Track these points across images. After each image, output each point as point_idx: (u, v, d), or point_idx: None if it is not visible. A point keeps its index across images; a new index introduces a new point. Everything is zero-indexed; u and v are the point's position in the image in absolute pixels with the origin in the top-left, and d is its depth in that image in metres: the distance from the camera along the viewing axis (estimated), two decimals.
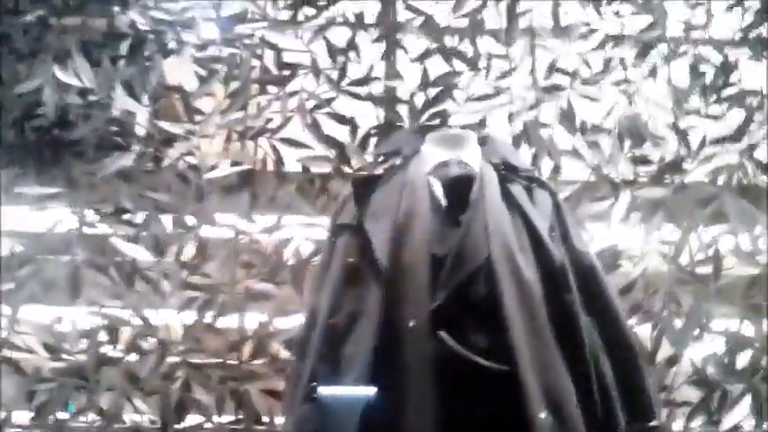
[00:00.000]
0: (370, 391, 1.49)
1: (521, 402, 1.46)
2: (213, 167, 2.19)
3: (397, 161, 1.87)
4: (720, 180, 2.15)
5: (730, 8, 2.31)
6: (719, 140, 2.23)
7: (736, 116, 2.28)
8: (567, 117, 2.25)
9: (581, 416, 1.50)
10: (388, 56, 2.36)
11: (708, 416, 1.98)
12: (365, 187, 1.75)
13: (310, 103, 2.28)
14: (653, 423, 1.61)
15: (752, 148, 2.23)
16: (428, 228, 1.62)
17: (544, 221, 1.68)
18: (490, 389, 1.48)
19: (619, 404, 1.59)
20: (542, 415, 1.46)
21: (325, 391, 1.52)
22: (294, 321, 2.08)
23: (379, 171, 1.79)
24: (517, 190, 1.72)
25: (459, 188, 1.68)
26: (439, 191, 1.70)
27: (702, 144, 2.24)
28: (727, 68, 2.30)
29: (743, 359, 2.04)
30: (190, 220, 2.17)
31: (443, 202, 1.68)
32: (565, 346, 1.55)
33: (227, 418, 2.11)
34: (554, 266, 1.60)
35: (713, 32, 2.37)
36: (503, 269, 1.56)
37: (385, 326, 1.54)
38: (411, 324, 1.51)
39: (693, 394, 2.02)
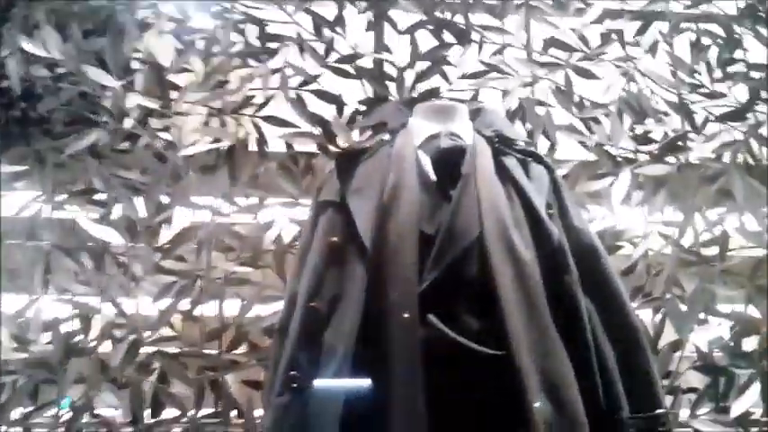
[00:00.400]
0: (354, 380, 1.37)
1: (517, 390, 1.34)
2: (190, 145, 2.06)
3: (384, 135, 1.74)
4: (726, 158, 2.03)
5: None
6: (724, 117, 2.12)
7: (742, 92, 2.18)
8: (564, 93, 2.14)
9: (581, 403, 1.38)
10: (376, 28, 2.24)
11: (715, 402, 1.87)
12: (349, 162, 1.63)
13: (295, 80, 2.17)
14: (658, 411, 1.49)
15: (758, 125, 2.12)
16: (416, 203, 1.50)
17: (541, 198, 1.57)
18: (484, 376, 1.36)
19: (622, 391, 1.47)
20: (537, 404, 1.34)
21: (305, 380, 1.40)
22: (276, 308, 1.96)
23: (364, 145, 1.66)
24: (512, 163, 1.60)
25: (450, 161, 1.56)
26: (428, 164, 1.58)
27: (706, 121, 2.13)
28: (731, 44, 2.19)
29: (750, 343, 1.93)
30: (165, 200, 2.04)
31: (432, 176, 1.56)
32: (564, 329, 1.43)
33: (204, 412, 1.99)
34: (552, 244, 1.48)
35: (717, 7, 2.26)
36: (497, 247, 1.44)
37: (369, 309, 1.42)
38: (405, 315, 1.38)
39: (699, 380, 1.90)
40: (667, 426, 1.50)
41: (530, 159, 1.64)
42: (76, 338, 2.00)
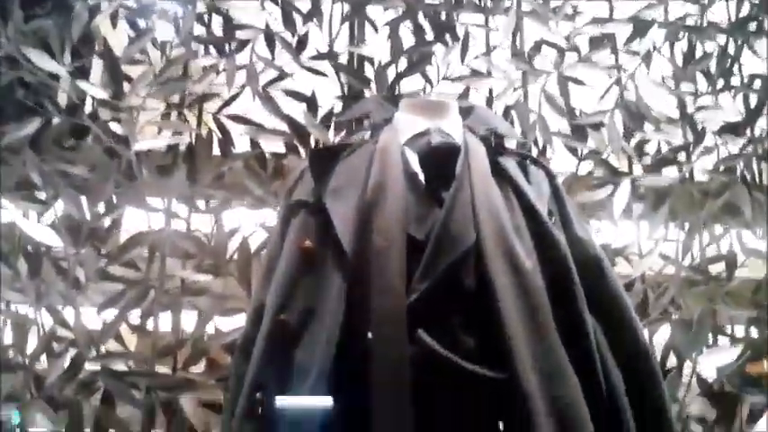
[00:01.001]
0: (331, 405, 1.17)
1: (522, 418, 1.15)
2: (145, 141, 1.85)
3: (366, 133, 1.56)
4: (733, 171, 1.90)
5: None
6: (727, 128, 1.99)
7: (747, 102, 2.06)
8: (557, 100, 1.99)
9: None
10: (353, 23, 2.07)
11: (728, 429, 1.70)
12: (325, 159, 1.44)
13: (264, 76, 1.98)
14: None
15: (760, 139, 2.00)
16: (403, 205, 1.31)
17: (542, 203, 1.40)
18: (483, 402, 1.18)
19: (632, 421, 1.29)
20: None
21: (272, 404, 1.20)
22: (239, 322, 1.75)
23: (343, 142, 1.48)
24: (510, 165, 1.43)
25: (441, 160, 1.38)
26: (416, 164, 1.40)
27: (703, 133, 2.00)
28: (732, 53, 2.08)
29: (758, 367, 1.78)
30: (115, 200, 1.83)
31: (421, 175, 1.38)
32: (569, 349, 1.25)
33: None
34: (558, 252, 1.31)
35: (716, 16, 2.16)
36: (495, 255, 1.26)
37: (349, 324, 1.23)
38: (391, 331, 1.19)
39: (709, 408, 1.74)
40: None
41: (528, 162, 1.48)
42: (10, 353, 1.76)
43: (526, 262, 1.27)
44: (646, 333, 1.78)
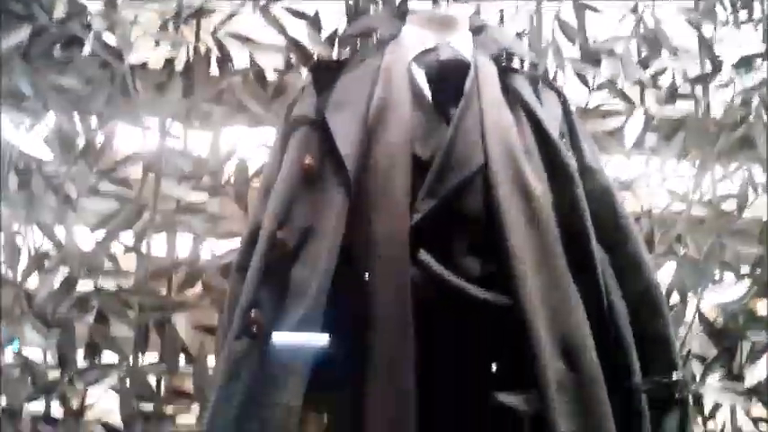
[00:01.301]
0: (328, 324, 1.13)
1: (525, 345, 1.12)
2: (140, 53, 1.77)
3: (371, 46, 1.49)
4: (749, 104, 1.83)
5: None
6: (746, 61, 1.91)
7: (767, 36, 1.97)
8: (571, 27, 1.90)
9: (598, 362, 1.17)
10: None
11: (728, 369, 1.68)
12: (329, 72, 1.37)
13: None
14: (674, 377, 1.29)
15: None
16: (408, 122, 1.25)
17: (553, 127, 1.34)
18: (486, 328, 1.14)
19: (635, 353, 1.27)
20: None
21: (268, 322, 1.16)
22: (236, 245, 1.70)
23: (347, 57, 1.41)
24: (521, 84, 1.36)
25: (449, 77, 1.32)
26: (423, 81, 1.33)
27: (721, 65, 1.92)
28: None
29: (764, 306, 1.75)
30: (108, 115, 1.76)
31: (428, 92, 1.31)
32: (575, 279, 1.21)
33: (148, 359, 1.74)
34: (569, 176, 1.25)
35: None
36: (503, 177, 1.21)
37: (349, 244, 1.18)
38: (393, 252, 1.15)
39: (711, 346, 1.72)
40: (683, 392, 1.30)
41: (540, 84, 1.41)
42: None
43: (536, 186, 1.23)
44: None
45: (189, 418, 1.74)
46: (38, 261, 1.72)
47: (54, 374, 1.64)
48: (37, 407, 1.63)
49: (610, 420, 1.16)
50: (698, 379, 1.64)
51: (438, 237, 1.17)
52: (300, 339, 1.14)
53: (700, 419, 1.70)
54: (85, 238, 1.76)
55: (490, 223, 1.18)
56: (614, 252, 1.32)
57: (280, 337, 1.15)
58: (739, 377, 1.68)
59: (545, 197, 1.22)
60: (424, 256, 1.16)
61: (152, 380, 1.72)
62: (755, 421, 1.77)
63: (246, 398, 1.16)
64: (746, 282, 1.69)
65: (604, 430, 1.15)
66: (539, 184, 1.22)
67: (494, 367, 1.13)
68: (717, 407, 1.71)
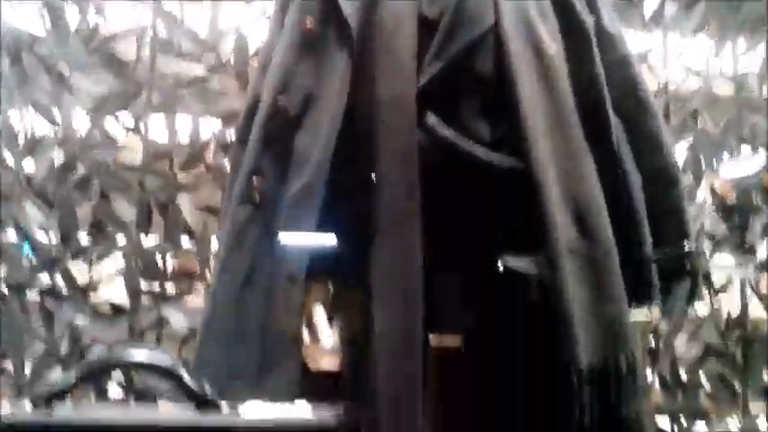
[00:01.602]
0: (332, 190, 1.10)
1: (536, 209, 1.08)
2: None
3: None
4: None
5: None
6: None
7: None
8: None
9: (610, 229, 1.14)
10: None
11: (739, 245, 1.66)
12: None
13: None
14: (686, 248, 1.26)
15: None
16: None
17: None
18: (495, 192, 1.11)
19: (647, 224, 1.23)
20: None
21: (270, 189, 1.13)
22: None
23: None
24: None
25: None
26: None
27: None
28: None
29: None
30: None
31: None
32: (592, 146, 1.17)
33: (151, 239, 1.73)
34: (585, 35, 1.18)
35: None
36: (515, 35, 1.14)
37: (353, 109, 1.13)
38: (400, 115, 1.10)
39: (722, 224, 1.69)
40: (694, 263, 1.27)
41: None
42: None
43: (550, 46, 1.16)
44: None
45: (195, 299, 1.75)
46: (35, 143, 1.68)
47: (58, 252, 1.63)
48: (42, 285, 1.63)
49: (621, 288, 1.14)
50: (708, 255, 1.62)
51: (446, 100, 1.12)
52: (304, 203, 1.11)
53: (709, 296, 1.70)
54: (83, 119, 1.71)
55: (501, 85, 1.12)
56: (632, 126, 1.26)
57: (282, 203, 1.12)
58: (751, 251, 1.66)
59: (559, 57, 1.16)
60: (431, 119, 1.11)
61: (158, 260, 1.71)
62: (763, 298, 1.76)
63: (249, 267, 1.14)
64: (762, 155, 1.64)
65: (615, 297, 1.13)
66: (552, 44, 1.16)
67: (503, 233, 1.10)
68: (727, 284, 1.70)
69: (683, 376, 1.70)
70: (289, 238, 1.13)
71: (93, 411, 0.83)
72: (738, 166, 1.65)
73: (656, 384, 1.71)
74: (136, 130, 1.72)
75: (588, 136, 1.17)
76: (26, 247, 1.66)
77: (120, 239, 1.70)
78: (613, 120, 1.22)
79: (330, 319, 1.16)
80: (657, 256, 1.24)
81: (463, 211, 1.11)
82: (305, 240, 1.13)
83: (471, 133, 1.11)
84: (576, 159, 1.14)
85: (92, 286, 1.64)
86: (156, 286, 1.69)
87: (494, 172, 1.10)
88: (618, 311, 1.13)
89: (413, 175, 1.08)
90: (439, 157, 1.10)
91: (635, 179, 1.25)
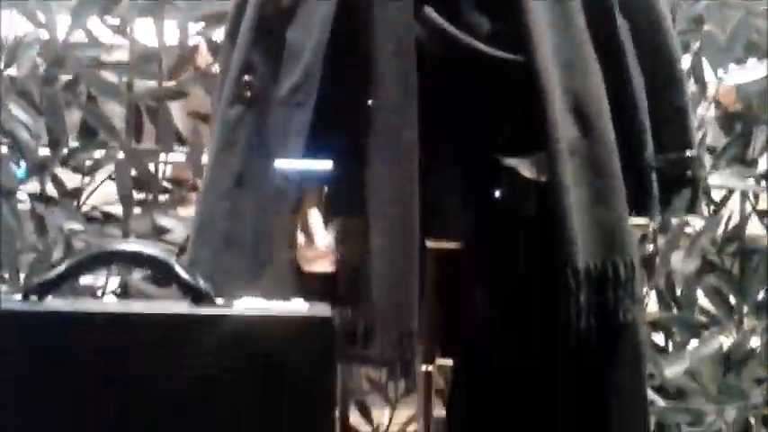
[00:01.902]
0: (326, 85, 1.05)
1: (537, 106, 1.04)
2: None
3: None
4: None
5: None
6: None
7: None
8: None
9: (613, 130, 1.10)
10: None
11: (741, 156, 1.62)
12: None
13: None
14: (688, 153, 1.23)
15: None
16: None
17: None
18: (494, 87, 1.06)
19: (649, 128, 1.19)
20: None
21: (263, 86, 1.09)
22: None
23: None
24: None
25: None
26: None
27: None
28: None
29: None
30: None
31: None
32: (596, 44, 1.12)
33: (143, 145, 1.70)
34: None
35: None
36: None
37: (347, 2, 1.08)
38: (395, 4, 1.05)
39: (724, 137, 1.65)
40: (695, 172, 1.24)
41: None
42: None
43: None
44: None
45: (188, 210, 1.73)
46: (17, 43, 1.62)
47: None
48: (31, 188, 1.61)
49: (621, 191, 1.11)
50: (709, 167, 1.59)
51: None
52: (298, 98, 1.07)
53: (708, 210, 1.67)
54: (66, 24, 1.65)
55: None
56: (635, 19, 1.20)
57: (275, 100, 1.08)
58: (753, 163, 1.63)
59: None
60: (429, 12, 1.06)
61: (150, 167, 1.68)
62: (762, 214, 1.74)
63: (241, 168, 1.11)
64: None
65: (615, 200, 1.10)
66: None
67: (502, 130, 1.07)
68: (727, 197, 1.68)
69: (679, 291, 1.69)
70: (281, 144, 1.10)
71: (86, 304, 0.81)
72: (744, 72, 1.60)
73: (653, 298, 1.70)
74: (122, 31, 1.66)
75: (593, 37, 1.13)
76: (22, 171, 1.64)
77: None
78: (619, 20, 1.17)
79: (326, 222, 1.13)
80: (659, 163, 1.21)
81: (461, 107, 1.07)
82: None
83: (470, 26, 1.07)
84: (579, 56, 1.09)
85: (82, 190, 1.62)
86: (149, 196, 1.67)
87: (494, 66, 1.06)
88: (617, 215, 1.11)
89: (410, 72, 1.04)
90: (437, 52, 1.06)
91: (639, 83, 1.20)
